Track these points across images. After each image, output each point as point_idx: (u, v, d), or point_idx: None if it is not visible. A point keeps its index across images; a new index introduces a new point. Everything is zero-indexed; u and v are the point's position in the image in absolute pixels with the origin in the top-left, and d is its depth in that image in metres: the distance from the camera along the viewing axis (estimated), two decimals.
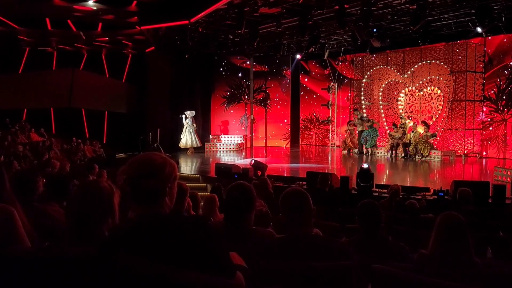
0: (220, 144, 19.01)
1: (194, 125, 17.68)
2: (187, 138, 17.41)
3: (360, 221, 3.13)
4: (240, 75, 20.74)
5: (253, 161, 10.18)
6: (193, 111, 17.65)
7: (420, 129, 15.17)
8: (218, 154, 17.86)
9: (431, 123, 15.94)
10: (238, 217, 2.46)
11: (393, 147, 15.58)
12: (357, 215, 3.16)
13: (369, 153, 16.22)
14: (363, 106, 17.83)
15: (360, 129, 16.52)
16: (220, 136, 19.70)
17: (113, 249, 1.52)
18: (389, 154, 15.69)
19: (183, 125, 17.48)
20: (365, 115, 17.08)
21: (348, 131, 17.31)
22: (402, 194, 7.46)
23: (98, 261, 1.55)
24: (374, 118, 17.44)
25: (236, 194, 2.46)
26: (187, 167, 13.82)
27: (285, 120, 21.03)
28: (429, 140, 14.84)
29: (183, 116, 17.41)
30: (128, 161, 1.71)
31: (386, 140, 16.53)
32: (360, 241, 3.05)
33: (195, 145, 17.52)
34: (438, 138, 15.59)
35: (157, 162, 1.67)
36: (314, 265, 2.10)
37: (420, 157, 14.70)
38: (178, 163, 13.39)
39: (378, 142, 16.54)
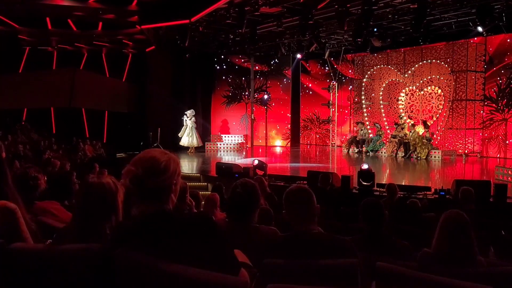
0: (220, 144, 18.98)
1: (195, 124, 17.64)
2: (188, 137, 17.37)
3: (363, 219, 3.13)
4: (240, 74, 20.72)
5: (256, 161, 10.14)
6: (193, 110, 17.58)
7: (419, 129, 15.06)
8: (219, 154, 17.84)
9: (432, 122, 15.91)
10: (242, 214, 2.46)
11: (397, 146, 15.43)
12: (360, 213, 3.15)
13: (369, 153, 16.14)
14: (365, 110, 17.79)
15: (363, 134, 16.50)
16: (220, 136, 19.68)
17: (119, 245, 1.52)
18: (389, 154, 15.64)
19: (183, 125, 17.43)
20: (379, 126, 16.82)
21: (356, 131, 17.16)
22: (404, 193, 7.48)
23: (102, 258, 1.54)
24: (374, 117, 17.45)
25: (240, 192, 2.45)
26: (188, 166, 13.80)
27: (288, 114, 20.98)
28: (424, 141, 14.71)
29: (184, 117, 17.35)
30: (132, 160, 1.69)
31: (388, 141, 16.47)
32: (364, 240, 3.04)
33: (195, 145, 17.47)
34: (434, 141, 15.49)
35: (161, 160, 1.66)
36: (319, 262, 2.09)
37: (416, 158, 14.62)
38: None
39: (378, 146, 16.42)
